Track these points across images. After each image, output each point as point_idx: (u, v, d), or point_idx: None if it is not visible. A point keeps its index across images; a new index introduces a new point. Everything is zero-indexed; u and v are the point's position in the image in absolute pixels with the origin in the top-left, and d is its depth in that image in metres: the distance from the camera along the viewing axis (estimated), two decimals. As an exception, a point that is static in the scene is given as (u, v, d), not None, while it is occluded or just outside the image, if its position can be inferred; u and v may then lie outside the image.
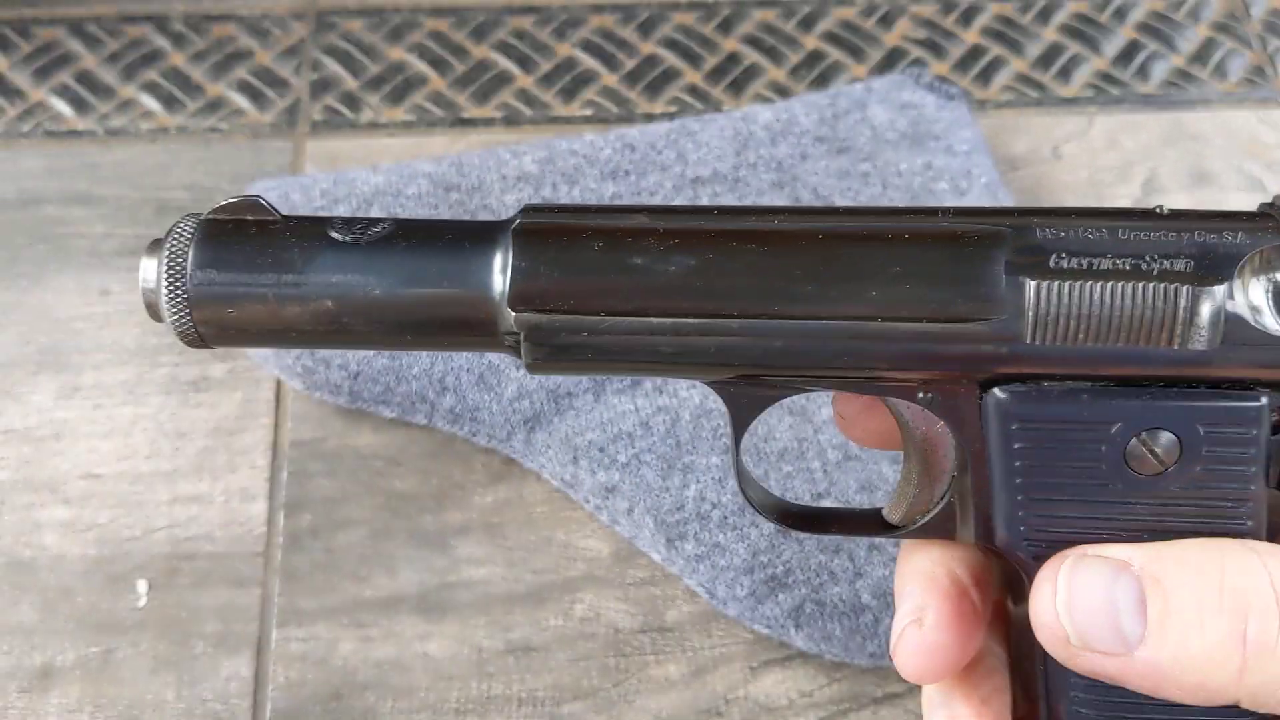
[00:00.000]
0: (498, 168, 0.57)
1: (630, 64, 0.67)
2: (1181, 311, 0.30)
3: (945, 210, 0.33)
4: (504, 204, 0.57)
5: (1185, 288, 0.30)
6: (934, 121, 0.60)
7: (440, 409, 0.52)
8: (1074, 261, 0.30)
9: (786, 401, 0.52)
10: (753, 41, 0.68)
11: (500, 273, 0.32)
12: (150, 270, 0.33)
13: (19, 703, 0.47)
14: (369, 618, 0.49)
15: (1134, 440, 0.31)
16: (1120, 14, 0.70)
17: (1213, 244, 0.30)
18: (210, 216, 0.34)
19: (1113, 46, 0.69)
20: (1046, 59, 0.68)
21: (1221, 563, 0.29)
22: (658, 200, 0.57)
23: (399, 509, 0.52)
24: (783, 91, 0.66)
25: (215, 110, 0.64)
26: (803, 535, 0.49)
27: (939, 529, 0.35)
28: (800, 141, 0.59)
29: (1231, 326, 0.30)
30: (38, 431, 0.53)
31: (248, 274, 0.33)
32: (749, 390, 0.34)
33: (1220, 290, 0.30)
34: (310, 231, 0.34)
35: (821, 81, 0.67)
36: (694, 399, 0.52)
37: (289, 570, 0.50)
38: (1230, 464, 0.31)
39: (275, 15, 0.68)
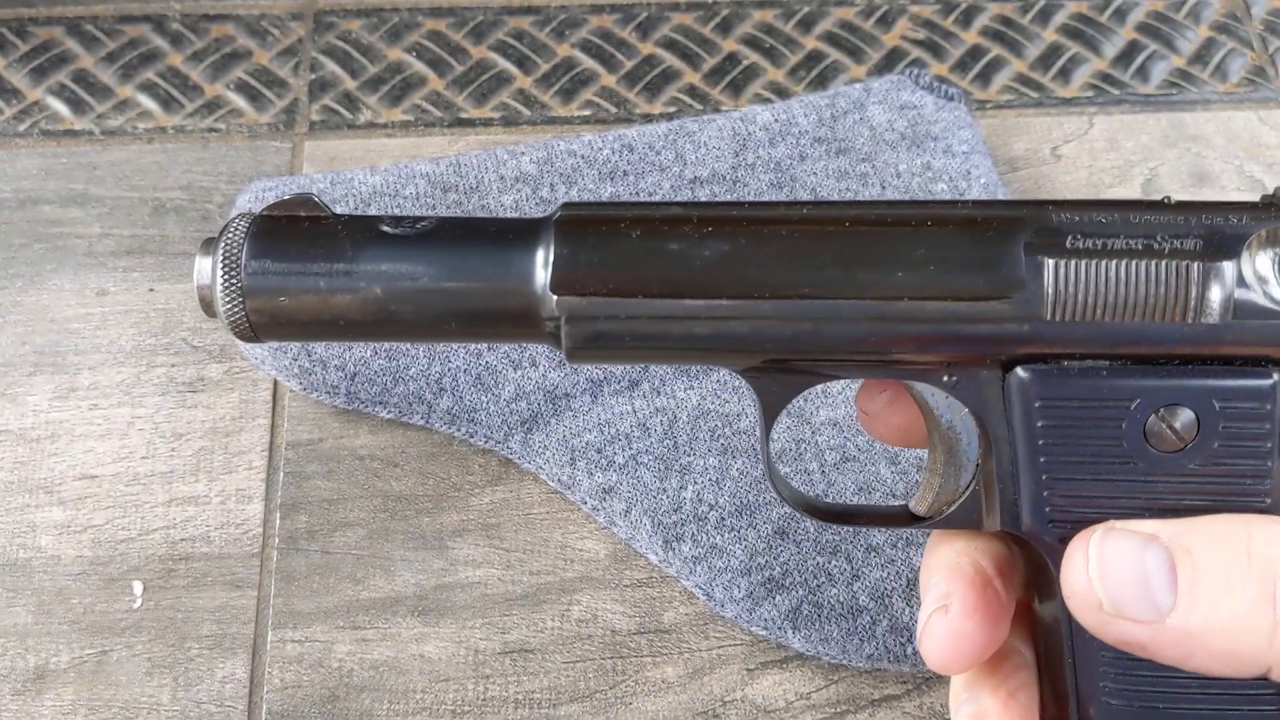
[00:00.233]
0: (496, 168, 0.57)
1: (629, 64, 0.67)
2: (1193, 287, 0.31)
3: (963, 201, 0.34)
4: (502, 205, 0.57)
5: (1196, 264, 0.31)
6: (933, 122, 0.60)
7: (438, 410, 0.52)
8: (1089, 242, 0.32)
9: (784, 403, 0.52)
10: (751, 42, 0.68)
11: (542, 262, 0.34)
12: (205, 266, 0.35)
13: (13, 705, 0.47)
14: (365, 619, 0.49)
15: (1153, 417, 0.32)
16: (1120, 14, 0.70)
17: (1220, 225, 0.32)
18: (265, 213, 0.36)
19: (1113, 47, 0.69)
20: (1046, 59, 0.68)
21: (1248, 532, 0.30)
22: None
23: (396, 510, 0.52)
24: (781, 92, 0.66)
25: (213, 110, 0.64)
26: (801, 537, 0.49)
27: (965, 519, 0.35)
28: (799, 142, 0.59)
29: (1242, 301, 0.31)
30: (33, 432, 0.53)
31: (301, 263, 0.35)
32: (779, 377, 0.35)
33: (1229, 266, 0.31)
34: (361, 225, 0.35)
35: (820, 82, 0.67)
36: (692, 400, 0.52)
37: (285, 572, 0.50)
38: (1246, 440, 0.32)
39: (273, 15, 0.68)
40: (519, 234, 0.35)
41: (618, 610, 0.50)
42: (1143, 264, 0.31)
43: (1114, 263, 0.31)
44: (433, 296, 0.35)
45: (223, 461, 0.53)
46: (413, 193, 0.56)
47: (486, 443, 0.52)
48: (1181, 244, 0.31)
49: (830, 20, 0.69)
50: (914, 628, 0.47)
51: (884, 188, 0.58)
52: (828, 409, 0.52)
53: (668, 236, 0.34)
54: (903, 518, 0.37)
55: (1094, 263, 0.31)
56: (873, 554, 0.48)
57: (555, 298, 0.34)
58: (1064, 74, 0.67)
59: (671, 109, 0.65)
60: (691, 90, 0.66)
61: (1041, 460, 0.33)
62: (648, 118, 0.65)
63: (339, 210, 0.56)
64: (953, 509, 0.35)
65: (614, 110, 0.65)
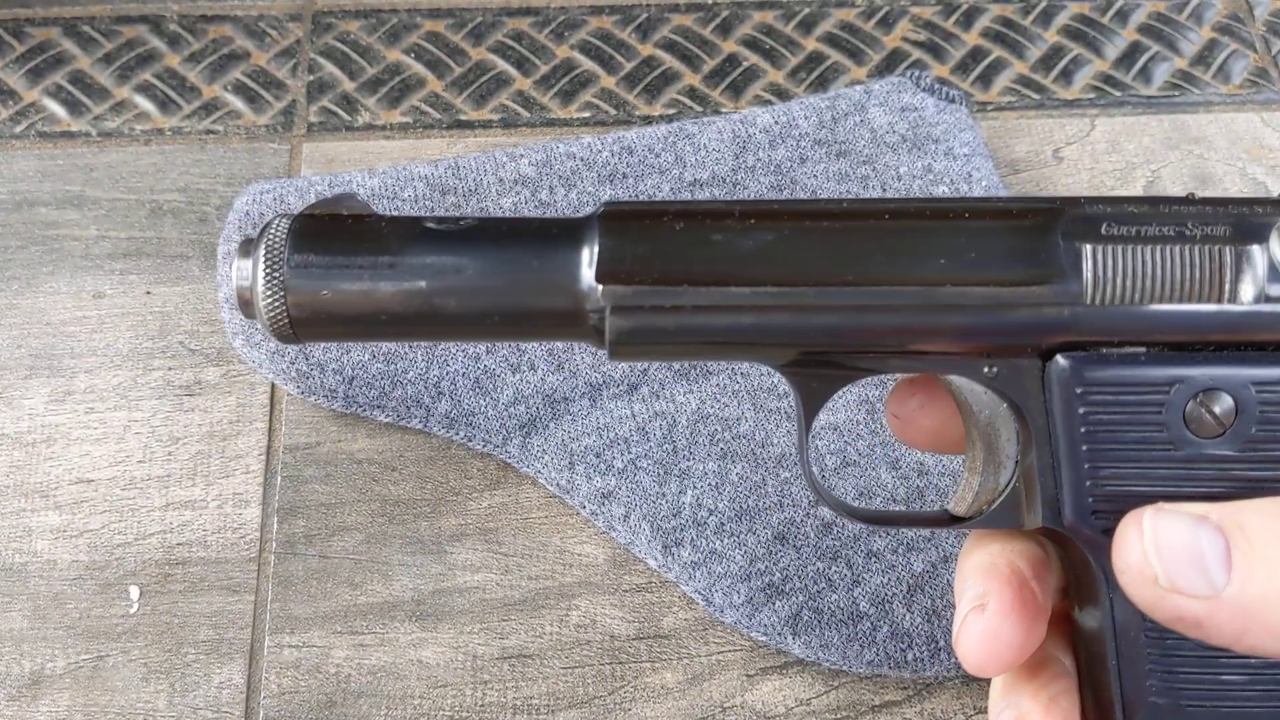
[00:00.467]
0: (495, 170, 0.57)
1: (628, 66, 0.67)
2: (1226, 270, 0.32)
3: (994, 197, 0.35)
4: (500, 208, 0.56)
5: (1227, 248, 0.32)
6: (934, 124, 0.59)
7: (436, 414, 0.52)
8: (1123, 229, 0.33)
9: (784, 407, 0.52)
10: (751, 44, 0.68)
11: (586, 256, 0.34)
12: (244, 266, 0.35)
13: (8, 711, 0.47)
14: (363, 624, 0.49)
15: (1191, 403, 0.32)
16: (1122, 16, 0.70)
17: (1246, 214, 0.33)
18: (305, 211, 0.35)
19: (1114, 49, 0.68)
20: (1047, 61, 0.68)
21: None
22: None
23: (394, 515, 0.52)
24: (782, 94, 0.66)
25: (211, 112, 0.64)
26: (801, 542, 0.49)
27: (1006, 517, 0.35)
28: (799, 144, 0.58)
29: (1274, 283, 0.32)
30: (29, 436, 0.53)
31: (344, 256, 0.35)
32: (820, 372, 0.35)
33: (1258, 250, 0.32)
34: (404, 222, 0.35)
35: (821, 84, 0.66)
36: (691, 404, 0.52)
37: (283, 576, 0.50)
38: None
39: (271, 17, 0.68)
40: (563, 230, 0.35)
41: (616, 615, 0.50)
42: (1175, 249, 0.32)
43: (1148, 248, 0.32)
44: (477, 290, 0.34)
45: (220, 465, 0.52)
46: (411, 195, 0.56)
47: (485, 447, 0.52)
48: (1211, 230, 0.32)
49: (831, 22, 0.69)
50: (914, 633, 0.47)
51: (884, 190, 0.57)
52: (828, 413, 0.52)
53: (711, 228, 0.34)
54: (943, 519, 0.38)
55: (1129, 248, 0.32)
56: (873, 560, 0.48)
57: (601, 287, 0.34)
58: (1066, 76, 0.67)
59: (671, 111, 0.65)
60: (691, 92, 0.66)
61: (1084, 449, 0.33)
62: (647, 119, 0.65)
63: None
64: (993, 507, 0.35)
65: (613, 112, 0.65)
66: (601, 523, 0.51)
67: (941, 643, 0.47)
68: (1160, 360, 0.33)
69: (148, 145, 0.62)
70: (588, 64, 0.67)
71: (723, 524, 0.49)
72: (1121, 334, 0.33)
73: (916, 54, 0.68)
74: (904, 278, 0.33)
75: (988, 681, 0.48)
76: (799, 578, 0.48)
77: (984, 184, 0.58)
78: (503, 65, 0.66)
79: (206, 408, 0.54)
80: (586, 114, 0.65)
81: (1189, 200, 0.33)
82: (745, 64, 0.67)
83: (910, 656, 0.47)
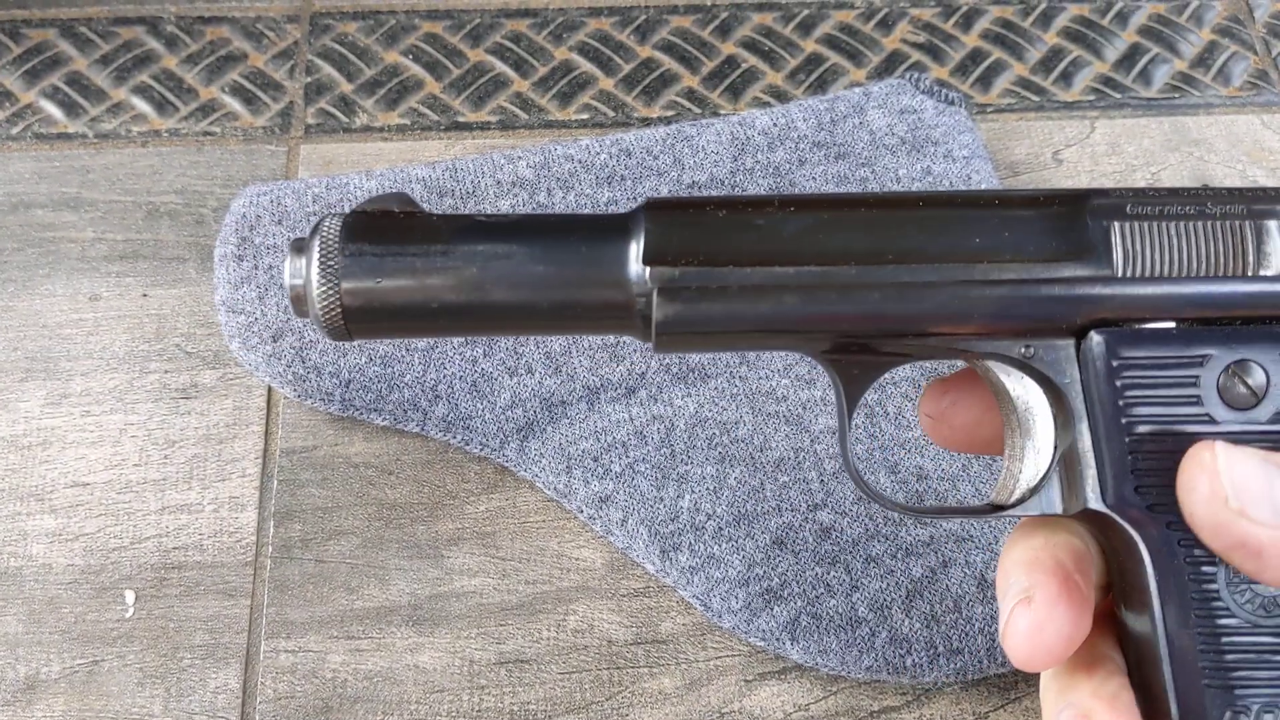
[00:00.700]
0: (493, 173, 0.57)
1: (627, 68, 0.67)
2: (1247, 244, 0.34)
3: (1019, 189, 0.37)
4: (498, 210, 0.56)
5: (1246, 223, 0.34)
6: (933, 127, 0.59)
7: (433, 417, 0.52)
8: (1147, 209, 0.34)
9: (783, 411, 0.52)
10: (750, 45, 0.68)
11: (634, 243, 0.35)
12: (298, 264, 0.36)
13: (3, 716, 0.47)
14: (360, 629, 0.49)
15: (1224, 375, 0.33)
16: (1122, 18, 0.70)
17: (1260, 196, 0.34)
18: (358, 209, 0.37)
19: (1114, 50, 0.68)
20: (1047, 63, 0.68)
21: None
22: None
23: (391, 518, 0.51)
24: (781, 96, 0.66)
25: (208, 114, 0.63)
26: (799, 547, 0.48)
27: (1049, 501, 0.36)
28: (798, 147, 0.58)
29: None
30: (25, 439, 0.53)
31: (397, 245, 0.35)
32: (859, 359, 0.36)
33: (1274, 225, 0.34)
34: (456, 215, 0.37)
35: (820, 86, 0.66)
36: (689, 408, 0.52)
37: (279, 581, 0.50)
38: None
39: (269, 18, 0.67)
40: (610, 222, 0.36)
41: (614, 620, 0.49)
42: (1197, 224, 0.34)
43: (1172, 224, 0.34)
44: (526, 277, 0.35)
45: (216, 469, 0.52)
46: (409, 197, 0.55)
47: (482, 450, 0.52)
48: (1229, 209, 0.34)
49: (830, 23, 0.69)
50: (913, 639, 0.47)
51: (884, 193, 0.57)
52: (827, 417, 0.52)
53: (752, 215, 0.35)
54: (985, 508, 0.38)
55: (1155, 224, 0.34)
56: (872, 565, 0.48)
57: (648, 270, 0.35)
58: (1065, 78, 0.67)
59: (670, 113, 0.65)
60: (690, 94, 0.66)
61: (1122, 424, 0.33)
62: (646, 121, 0.65)
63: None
64: (1035, 494, 0.36)
65: (612, 114, 0.65)
66: (599, 527, 0.50)
67: (940, 648, 0.46)
68: (1191, 334, 0.34)
69: (145, 147, 0.62)
70: (586, 66, 0.67)
71: (721, 529, 0.49)
72: (1153, 309, 0.34)
73: (916, 56, 0.68)
74: (941, 255, 0.34)
75: (987, 686, 0.48)
76: (797, 583, 0.48)
77: (983, 186, 0.57)
78: (501, 67, 0.66)
79: (203, 411, 0.54)
80: (585, 116, 0.65)
81: (1203, 189, 0.35)
82: (744, 66, 0.67)
83: (909, 662, 0.46)
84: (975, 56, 0.68)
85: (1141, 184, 0.62)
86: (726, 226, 0.35)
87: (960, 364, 0.53)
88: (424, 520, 0.51)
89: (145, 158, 0.62)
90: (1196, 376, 0.33)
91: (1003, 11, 0.70)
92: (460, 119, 0.64)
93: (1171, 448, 0.33)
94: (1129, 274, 0.34)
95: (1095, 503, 0.34)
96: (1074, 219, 0.34)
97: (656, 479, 0.50)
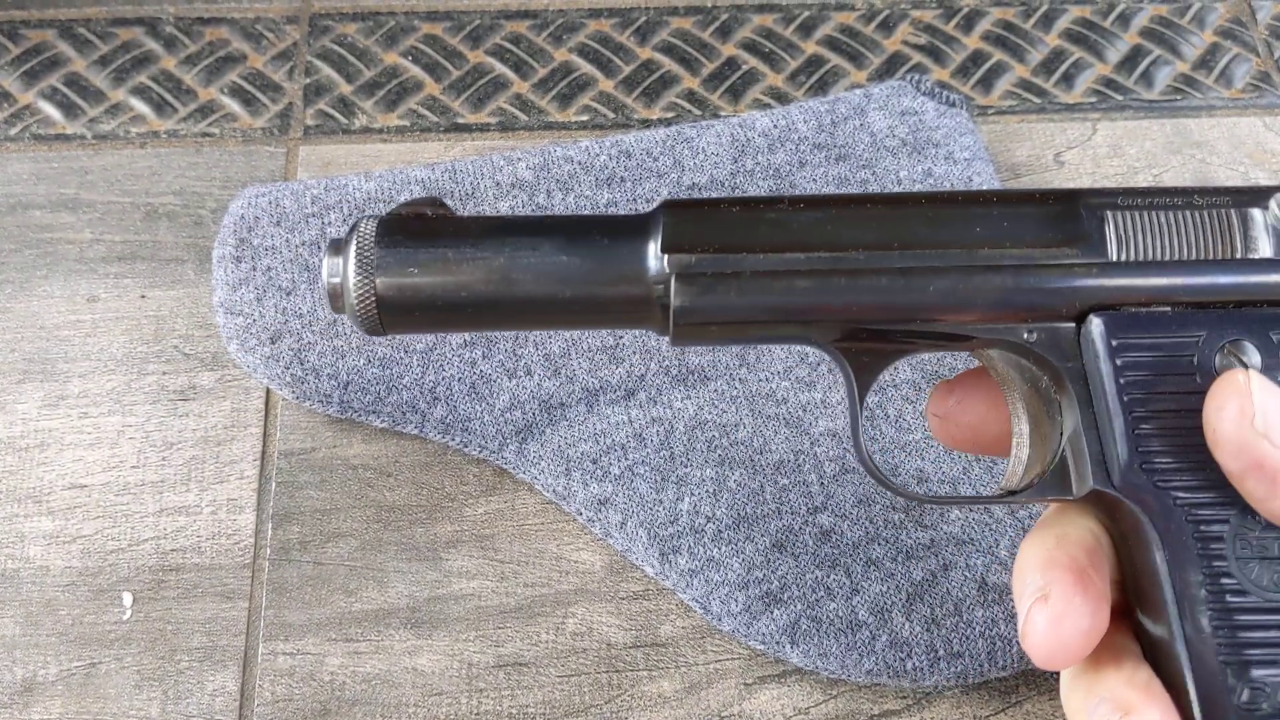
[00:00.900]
0: (492, 174, 0.57)
1: (627, 69, 0.66)
2: (1234, 229, 0.35)
3: (1014, 189, 0.39)
4: (497, 211, 0.56)
5: (1232, 211, 0.36)
6: (934, 128, 0.59)
7: (431, 419, 0.52)
8: (1137, 200, 0.36)
9: (782, 413, 0.51)
10: (751, 47, 0.68)
11: (652, 239, 0.37)
12: (335, 263, 0.38)
13: (0, 717, 0.46)
14: (358, 631, 0.49)
15: (1219, 355, 0.35)
16: (1124, 19, 0.69)
17: (1245, 189, 0.36)
18: (393, 210, 0.39)
19: (1116, 52, 0.68)
20: (1049, 65, 0.67)
21: None
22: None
23: (389, 521, 0.51)
24: (781, 97, 0.66)
25: (207, 115, 0.63)
26: (799, 550, 0.48)
27: (1056, 486, 0.37)
28: (798, 149, 0.58)
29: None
30: (22, 441, 0.52)
31: (431, 238, 0.38)
32: (869, 346, 0.38)
33: (1258, 212, 0.36)
34: (485, 216, 0.39)
35: (821, 87, 0.66)
36: (688, 410, 0.51)
37: (277, 583, 0.50)
38: None
39: (268, 19, 0.67)
40: (630, 219, 0.38)
41: (613, 623, 0.49)
42: (1185, 213, 0.36)
43: (1161, 213, 0.36)
44: (552, 268, 0.37)
45: (214, 471, 0.52)
46: (408, 199, 0.55)
47: (481, 452, 0.52)
48: (1214, 200, 0.36)
49: (830, 25, 0.69)
50: (913, 642, 0.46)
51: (884, 195, 0.57)
52: (826, 419, 0.52)
53: (765, 210, 0.37)
54: (997, 496, 0.39)
55: (1145, 213, 0.36)
56: (872, 568, 0.48)
57: (666, 257, 0.37)
58: (1067, 79, 0.67)
59: (670, 114, 0.65)
60: (690, 95, 0.66)
61: (1125, 403, 0.35)
62: (646, 123, 0.64)
63: (331, 217, 0.55)
64: (1044, 478, 0.37)
65: (612, 115, 0.65)
66: (598, 529, 0.50)
67: (941, 652, 0.46)
68: (1186, 316, 0.35)
69: (143, 148, 0.62)
70: (586, 67, 0.66)
71: (720, 531, 0.48)
72: (1148, 293, 0.35)
73: (917, 57, 0.67)
74: (946, 243, 0.36)
75: (987, 690, 0.48)
76: (797, 586, 0.47)
77: (984, 188, 0.57)
78: (500, 68, 0.66)
79: (201, 413, 0.53)
80: (584, 117, 0.65)
81: (1191, 187, 0.37)
82: (744, 67, 0.67)
83: (909, 665, 0.46)
84: (976, 58, 0.68)
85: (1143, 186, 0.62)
86: (740, 219, 0.37)
87: (965, 365, 0.53)
88: (422, 522, 0.51)
89: (144, 159, 0.61)
90: (1192, 355, 0.35)
91: (1004, 13, 0.70)
92: (460, 120, 0.64)
93: (1174, 428, 0.34)
94: (1123, 259, 0.35)
95: (1102, 483, 0.35)
96: (1069, 210, 0.36)
97: (656, 481, 0.50)
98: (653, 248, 0.37)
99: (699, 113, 0.65)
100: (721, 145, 0.58)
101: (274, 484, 0.52)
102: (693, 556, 0.48)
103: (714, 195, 0.57)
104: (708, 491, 0.49)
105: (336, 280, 0.38)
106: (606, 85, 0.66)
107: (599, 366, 0.52)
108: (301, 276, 0.54)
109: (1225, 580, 0.33)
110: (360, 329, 0.39)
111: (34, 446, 0.52)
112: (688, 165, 0.57)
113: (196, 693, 0.47)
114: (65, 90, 0.64)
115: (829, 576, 0.48)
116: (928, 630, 0.47)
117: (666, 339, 0.38)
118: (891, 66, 0.67)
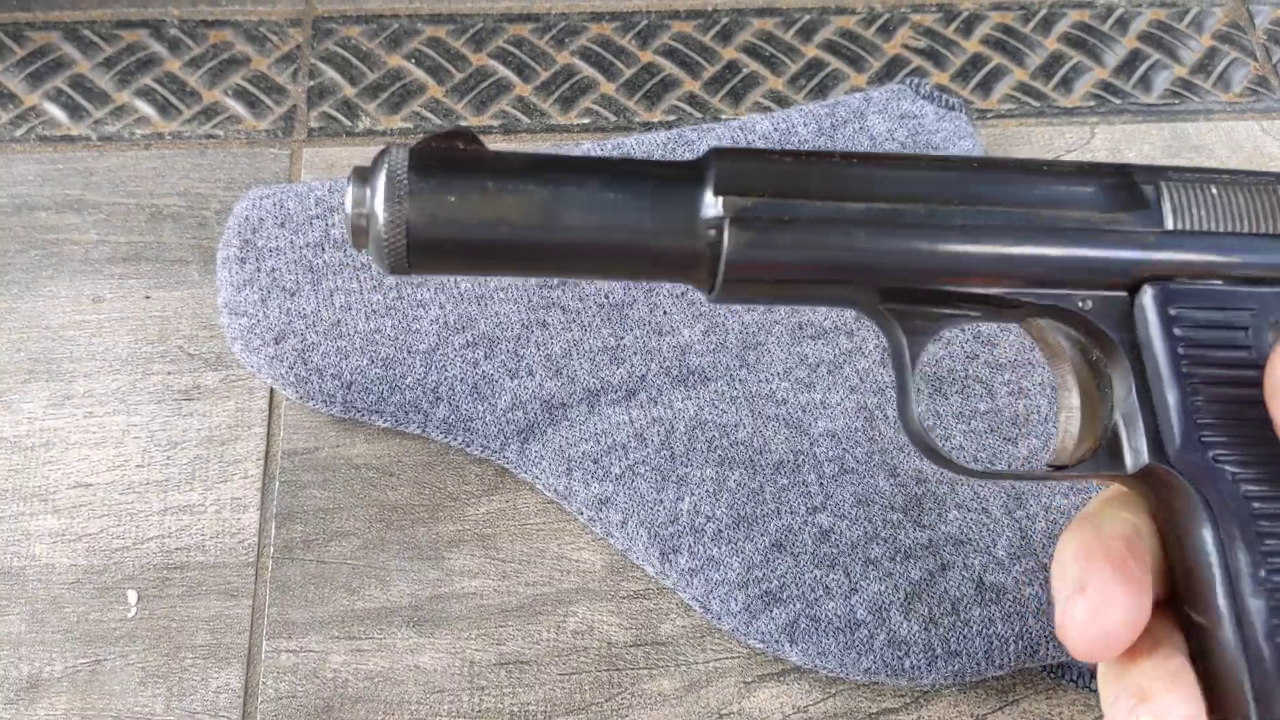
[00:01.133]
0: (494, 176, 0.57)
1: (628, 72, 0.67)
2: None
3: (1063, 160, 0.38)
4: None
5: (1278, 187, 0.35)
6: (934, 132, 0.59)
7: (434, 419, 0.52)
8: (1187, 176, 0.36)
9: (782, 414, 0.52)
10: (751, 50, 0.68)
11: (703, 183, 0.35)
12: (360, 192, 0.34)
13: (5, 715, 0.47)
14: (361, 630, 0.49)
15: (1273, 326, 0.35)
16: (1122, 24, 0.70)
17: None
18: (423, 140, 0.35)
19: (1114, 56, 0.68)
20: (1048, 69, 0.68)
21: None
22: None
23: (392, 520, 0.51)
24: (782, 100, 0.66)
25: (211, 117, 0.64)
26: (798, 550, 0.49)
27: (1108, 461, 0.36)
28: (799, 151, 0.58)
29: None
30: (28, 440, 0.53)
31: (468, 166, 0.34)
32: (923, 309, 0.36)
33: None
34: (525, 153, 0.36)
35: (821, 91, 0.66)
36: (689, 410, 0.52)
37: (280, 581, 0.50)
38: None
39: (272, 21, 0.68)
40: (679, 164, 0.36)
41: (614, 622, 0.49)
42: (1234, 189, 0.35)
43: (1212, 187, 0.35)
44: (599, 204, 0.34)
45: (218, 470, 0.52)
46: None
47: (483, 452, 0.52)
48: (1259, 180, 0.36)
49: (831, 28, 0.69)
50: (911, 641, 0.47)
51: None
52: (826, 420, 0.52)
53: (818, 162, 0.36)
54: (1045, 471, 0.38)
55: (1197, 186, 0.35)
56: (870, 567, 0.48)
57: (720, 200, 0.34)
58: (1066, 83, 0.67)
59: (671, 117, 0.65)
60: (691, 98, 0.66)
61: (1181, 374, 0.34)
62: (647, 126, 0.65)
63: (335, 219, 0.55)
64: (1095, 454, 0.36)
65: (613, 118, 0.65)
66: (599, 529, 0.51)
67: (938, 650, 0.47)
68: (1237, 292, 0.35)
69: (148, 150, 0.62)
70: (588, 70, 0.67)
71: (720, 531, 0.49)
72: (1203, 266, 0.35)
73: (916, 61, 0.68)
74: (1007, 200, 0.35)
75: (984, 688, 0.48)
76: (796, 585, 0.48)
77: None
78: (503, 71, 0.67)
79: (205, 412, 0.54)
80: (586, 120, 0.65)
81: (1234, 170, 0.36)
82: (745, 71, 0.67)
83: (908, 664, 0.47)
84: (976, 62, 0.68)
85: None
86: (795, 167, 0.35)
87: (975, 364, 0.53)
88: (424, 522, 0.52)
89: (148, 160, 0.62)
90: (1247, 327, 0.34)
91: (1003, 17, 0.70)
92: (462, 123, 0.64)
93: (1229, 400, 0.34)
94: (1179, 226, 0.35)
95: (1156, 457, 0.34)
96: (1123, 179, 0.36)
97: (656, 481, 0.50)
98: (705, 189, 0.35)
99: (700, 116, 0.65)
100: (722, 148, 0.58)
101: (277, 483, 0.52)
102: (693, 556, 0.49)
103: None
104: (708, 491, 0.50)
105: (362, 210, 0.34)
106: (608, 88, 0.66)
107: (600, 367, 0.53)
108: (305, 278, 0.54)
109: (1277, 560, 0.33)
110: (383, 267, 0.35)
111: (39, 445, 0.53)
112: (689, 168, 0.57)
113: (201, 690, 0.48)
114: (70, 92, 0.64)
115: (828, 576, 0.48)
116: (925, 629, 0.47)
117: (708, 295, 0.36)
118: (891, 70, 0.67)
